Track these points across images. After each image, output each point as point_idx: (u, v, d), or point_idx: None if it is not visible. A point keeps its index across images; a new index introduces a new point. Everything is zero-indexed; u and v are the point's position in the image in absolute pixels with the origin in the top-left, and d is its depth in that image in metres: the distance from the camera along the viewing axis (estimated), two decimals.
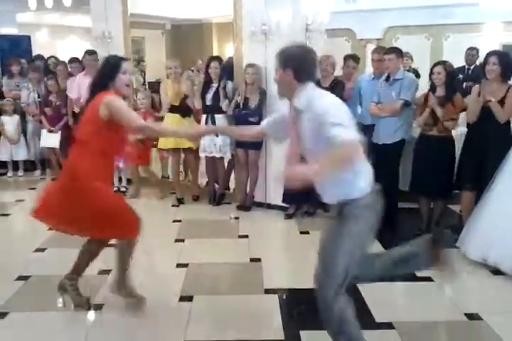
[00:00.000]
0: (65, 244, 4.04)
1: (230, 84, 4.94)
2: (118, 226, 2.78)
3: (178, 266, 3.63)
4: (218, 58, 5.16)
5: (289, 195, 4.71)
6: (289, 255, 4.08)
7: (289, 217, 4.71)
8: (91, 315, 2.98)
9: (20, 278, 3.41)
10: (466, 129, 4.10)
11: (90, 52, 5.74)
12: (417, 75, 6.27)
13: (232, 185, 5.39)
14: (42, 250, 3.95)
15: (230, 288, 3.36)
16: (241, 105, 4.76)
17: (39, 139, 6.28)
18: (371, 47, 7.04)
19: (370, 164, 2.32)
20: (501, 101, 3.69)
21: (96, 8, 5.86)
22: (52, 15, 9.81)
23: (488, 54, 3.82)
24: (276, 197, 4.86)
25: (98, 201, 2.70)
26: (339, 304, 2.17)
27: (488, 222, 3.48)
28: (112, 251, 3.89)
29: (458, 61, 6.13)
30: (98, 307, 3.02)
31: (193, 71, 6.41)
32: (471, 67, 6.22)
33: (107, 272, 3.46)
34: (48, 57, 7.08)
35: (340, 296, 2.18)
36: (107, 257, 3.77)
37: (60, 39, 10.77)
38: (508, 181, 3.50)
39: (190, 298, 3.13)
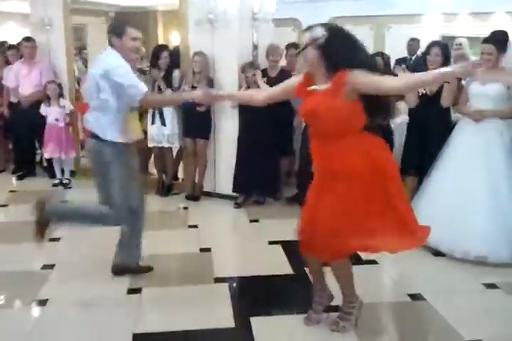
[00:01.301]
0: None
1: (176, 73, 4.86)
2: None
3: None
4: (166, 47, 5.07)
5: (238, 184, 4.71)
6: (239, 243, 4.09)
7: (238, 206, 4.72)
8: (35, 310, 2.89)
9: None
10: (408, 117, 4.23)
11: (28, 39, 5.50)
12: None
13: (180, 175, 5.33)
14: None
15: (179, 279, 3.34)
16: None
17: None
18: None
19: None
20: (440, 90, 3.84)
21: None
22: None
23: (430, 45, 3.94)
24: (225, 187, 4.85)
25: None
26: None
27: (428, 206, 3.61)
28: (55, 245, 3.79)
29: (399, 51, 6.30)
30: (42, 303, 2.93)
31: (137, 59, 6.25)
32: (413, 58, 6.41)
33: (50, 267, 3.36)
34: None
35: None
36: (49, 252, 3.66)
37: None
38: (447, 166, 3.65)
39: (138, 290, 3.08)
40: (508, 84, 3.54)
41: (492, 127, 3.57)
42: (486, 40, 3.61)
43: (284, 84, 2.64)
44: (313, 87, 2.38)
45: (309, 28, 2.34)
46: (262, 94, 2.78)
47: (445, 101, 3.83)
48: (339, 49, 2.28)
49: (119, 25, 2.93)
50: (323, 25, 2.34)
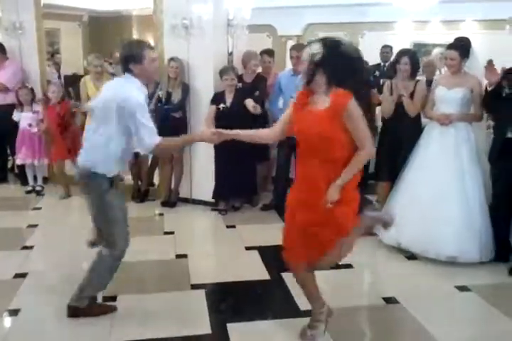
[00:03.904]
0: None
1: None
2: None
3: None
4: None
5: (218, 191, 4.69)
6: (215, 249, 4.08)
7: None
8: (7, 321, 2.83)
9: None
10: (380, 123, 4.30)
11: None
12: None
13: (156, 181, 5.30)
14: None
15: (155, 286, 3.31)
16: (163, 100, 4.68)
17: None
18: (291, 43, 7.18)
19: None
20: (411, 96, 3.93)
21: None
22: None
23: (399, 54, 4.04)
24: (201, 193, 4.84)
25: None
26: None
27: (399, 209, 3.68)
28: (28, 253, 3.72)
29: (373, 58, 6.40)
30: (14, 313, 2.87)
31: (110, 64, 6.20)
32: (386, 64, 6.51)
33: (22, 276, 3.30)
34: None
35: None
36: (21, 260, 3.60)
37: None
38: (418, 169, 3.73)
39: (113, 298, 3.04)
40: (471, 88, 3.64)
41: (459, 130, 3.66)
42: (450, 46, 3.72)
43: (284, 116, 2.56)
44: (311, 106, 2.36)
45: (308, 44, 2.36)
46: (274, 129, 2.63)
47: (410, 111, 3.93)
48: (334, 67, 2.27)
49: (136, 52, 2.63)
50: (321, 41, 2.32)
